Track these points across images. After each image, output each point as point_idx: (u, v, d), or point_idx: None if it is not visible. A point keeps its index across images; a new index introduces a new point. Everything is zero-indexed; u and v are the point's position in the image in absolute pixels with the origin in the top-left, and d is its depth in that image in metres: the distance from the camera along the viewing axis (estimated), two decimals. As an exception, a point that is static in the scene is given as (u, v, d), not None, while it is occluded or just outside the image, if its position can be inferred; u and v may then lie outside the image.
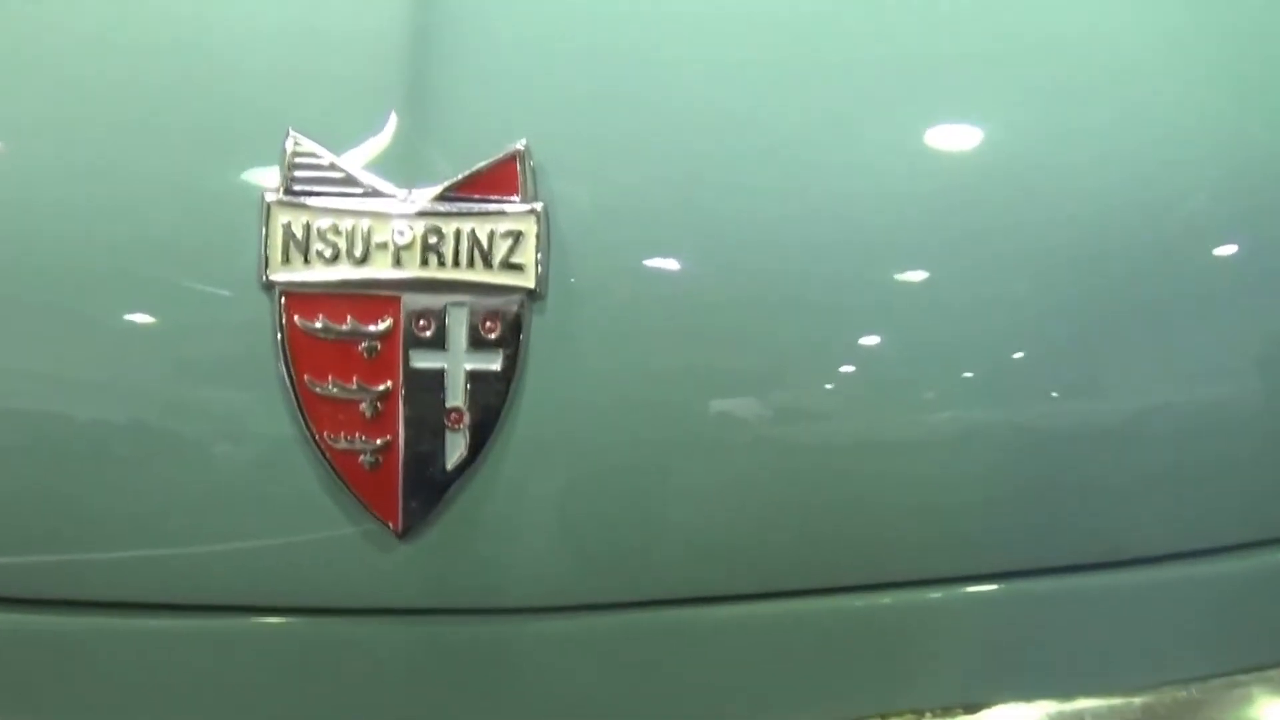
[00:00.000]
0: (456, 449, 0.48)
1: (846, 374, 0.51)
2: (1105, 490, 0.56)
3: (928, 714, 0.57)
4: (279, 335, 0.48)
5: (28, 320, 0.49)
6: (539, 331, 0.48)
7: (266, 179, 0.48)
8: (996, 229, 0.54)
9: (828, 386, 0.50)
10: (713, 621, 0.53)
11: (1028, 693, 0.58)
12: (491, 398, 0.48)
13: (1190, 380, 0.57)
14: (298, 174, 0.48)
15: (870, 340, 0.51)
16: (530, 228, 0.48)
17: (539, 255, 0.48)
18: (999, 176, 0.54)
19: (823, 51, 0.54)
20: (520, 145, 0.48)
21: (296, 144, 0.48)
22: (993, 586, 0.56)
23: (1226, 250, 0.58)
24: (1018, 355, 0.53)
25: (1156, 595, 0.60)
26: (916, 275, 0.52)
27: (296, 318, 0.48)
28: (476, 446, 0.48)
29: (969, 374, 0.53)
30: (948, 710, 0.57)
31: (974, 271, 0.53)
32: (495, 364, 0.48)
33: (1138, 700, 0.58)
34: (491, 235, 0.48)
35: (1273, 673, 0.63)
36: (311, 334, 0.48)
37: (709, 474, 0.49)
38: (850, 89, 0.54)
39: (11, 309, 0.49)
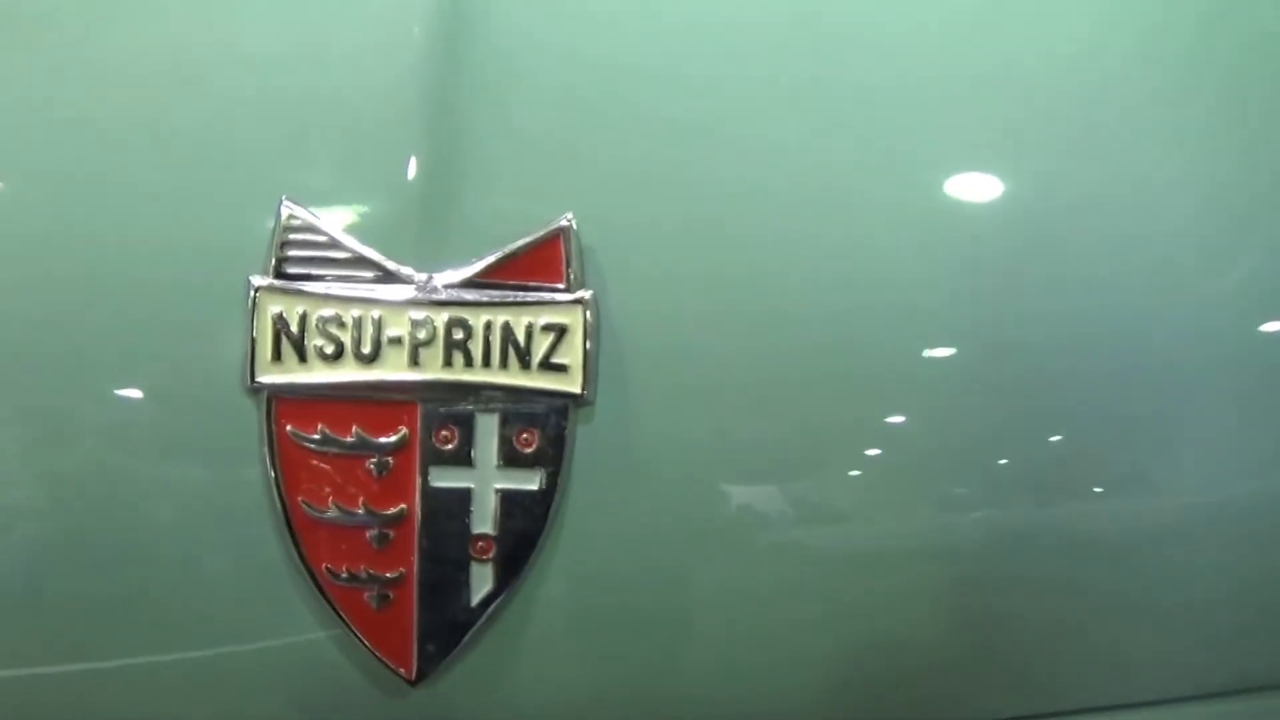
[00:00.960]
0: (483, 584, 0.40)
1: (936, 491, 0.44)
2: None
3: None
4: (268, 447, 0.39)
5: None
6: (585, 445, 0.40)
7: (255, 259, 0.39)
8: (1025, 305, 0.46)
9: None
10: None
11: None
12: (527, 523, 0.40)
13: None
14: (291, 253, 0.39)
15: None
16: (577, 320, 0.40)
17: (587, 353, 0.40)
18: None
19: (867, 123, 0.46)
20: (565, 221, 0.40)
21: (291, 216, 0.39)
22: None
23: None
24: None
25: None
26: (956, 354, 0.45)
27: (289, 427, 0.39)
28: (506, 580, 0.40)
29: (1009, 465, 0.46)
30: None
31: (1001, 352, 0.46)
32: (533, 484, 0.40)
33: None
34: (530, 330, 0.40)
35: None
36: (308, 447, 0.39)
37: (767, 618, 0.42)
38: (893, 167, 0.46)
39: None
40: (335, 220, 0.40)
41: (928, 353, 0.44)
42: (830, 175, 0.44)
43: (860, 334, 0.43)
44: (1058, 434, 0.44)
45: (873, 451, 0.43)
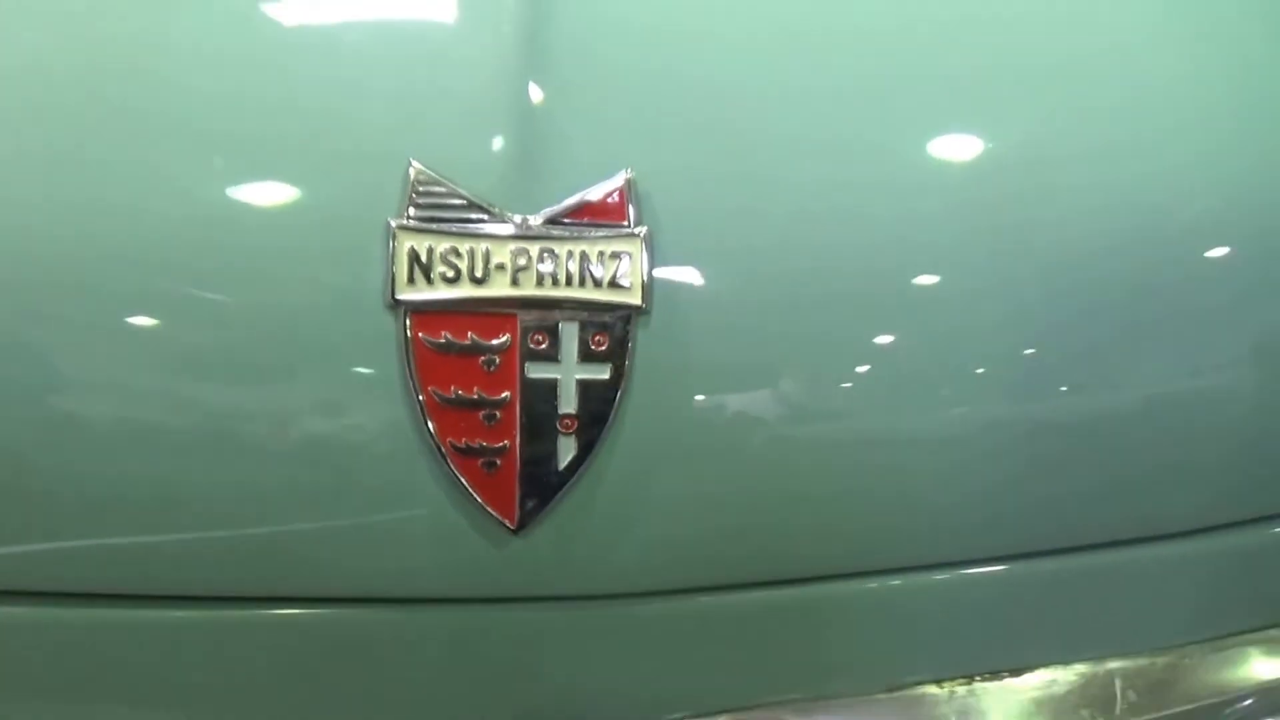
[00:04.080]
0: (569, 451, 0.53)
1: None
2: (1111, 477, 0.62)
3: (976, 678, 0.64)
4: (405, 349, 0.52)
5: (173, 315, 0.53)
6: (644, 344, 0.53)
7: (390, 205, 0.52)
8: (1010, 234, 0.59)
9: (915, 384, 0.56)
10: (774, 601, 0.59)
11: (1054, 657, 0.65)
12: (600, 405, 0.53)
13: (1186, 376, 0.63)
14: (419, 200, 0.52)
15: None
16: (636, 250, 0.52)
17: (644, 275, 0.52)
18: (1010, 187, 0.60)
19: (885, 79, 0.59)
20: (628, 174, 0.52)
21: (420, 172, 0.52)
22: (1002, 567, 0.63)
23: (1225, 252, 0.64)
24: (1029, 351, 0.59)
25: (1165, 568, 0.66)
26: (943, 277, 0.58)
27: (421, 334, 0.52)
28: (586, 449, 0.53)
29: (984, 369, 0.59)
30: (994, 674, 0.63)
31: (990, 274, 0.59)
32: (604, 374, 0.53)
33: (1160, 660, 0.65)
34: (600, 256, 0.52)
35: (1265, 633, 0.71)
36: (435, 348, 0.52)
37: (804, 470, 0.55)
38: (910, 113, 0.59)
39: (160, 304, 0.53)
40: (451, 175, 0.52)
41: (931, 268, 0.57)
42: (843, 124, 0.57)
43: (872, 259, 0.56)
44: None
45: (881, 349, 0.56)
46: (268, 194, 0.53)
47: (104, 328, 0.52)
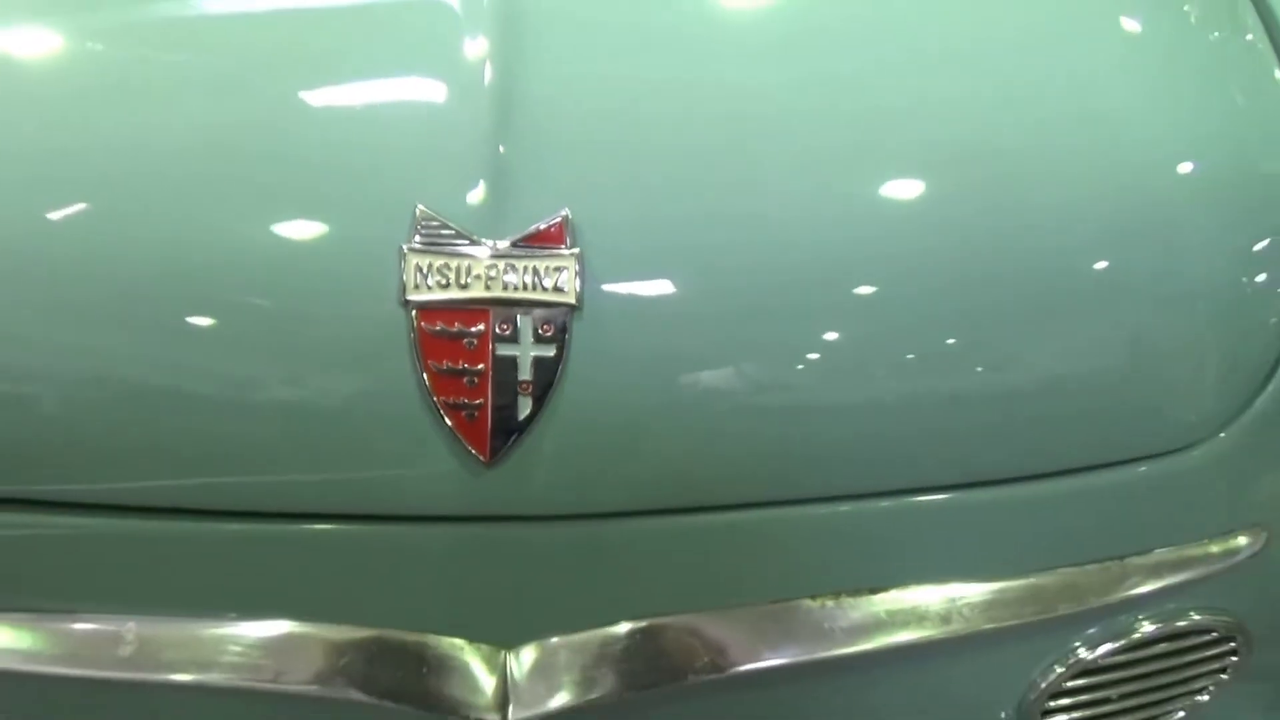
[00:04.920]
0: (526, 407, 0.75)
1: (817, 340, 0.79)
2: (978, 425, 0.83)
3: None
4: (413, 335, 0.75)
5: (243, 312, 0.76)
6: (578, 331, 0.75)
7: (403, 234, 0.75)
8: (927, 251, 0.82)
9: (806, 351, 0.79)
10: (682, 526, 0.81)
11: (911, 580, 0.85)
12: (548, 373, 0.75)
13: (1066, 349, 0.84)
14: (422, 231, 0.75)
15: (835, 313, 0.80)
16: (571, 265, 0.75)
17: (577, 283, 0.75)
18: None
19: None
20: (566, 213, 0.75)
21: (422, 213, 0.75)
22: (886, 503, 0.83)
23: (1096, 256, 0.85)
24: (950, 341, 0.81)
25: (1034, 505, 0.87)
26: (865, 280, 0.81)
27: (423, 324, 0.75)
28: (539, 404, 0.75)
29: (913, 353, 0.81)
30: (857, 592, 0.84)
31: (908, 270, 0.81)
32: (551, 352, 0.75)
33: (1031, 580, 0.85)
34: (547, 270, 0.75)
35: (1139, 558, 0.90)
36: (433, 334, 0.75)
37: (700, 421, 0.77)
38: (825, 139, 0.83)
39: (233, 309, 0.76)
40: (444, 214, 0.75)
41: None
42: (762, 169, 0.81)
43: (767, 264, 0.79)
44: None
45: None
46: (316, 228, 0.77)
47: (178, 323, 0.75)
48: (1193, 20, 1.00)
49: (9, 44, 0.83)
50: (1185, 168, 0.90)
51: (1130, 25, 0.98)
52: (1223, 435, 0.88)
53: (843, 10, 0.91)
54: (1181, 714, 1.00)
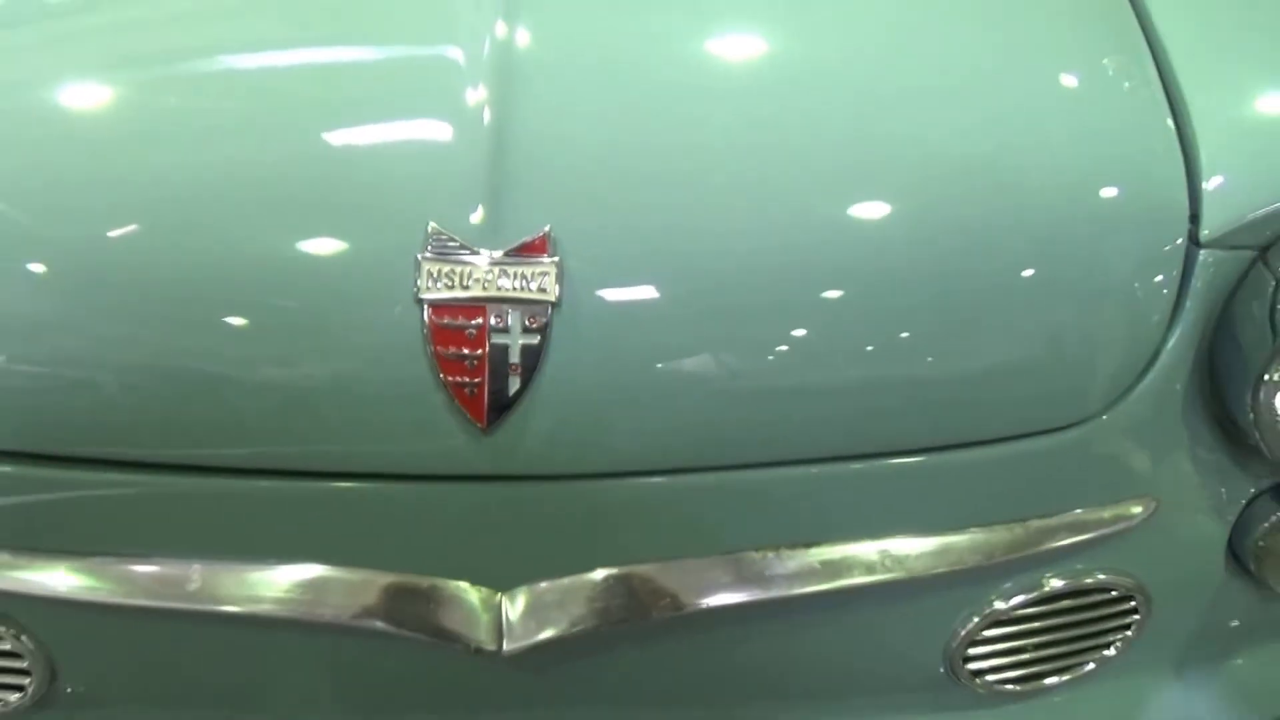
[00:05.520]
0: (515, 384, 0.93)
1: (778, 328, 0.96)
2: (907, 400, 0.99)
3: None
4: (425, 327, 0.92)
5: (282, 314, 0.94)
6: (558, 324, 0.93)
7: (417, 246, 0.93)
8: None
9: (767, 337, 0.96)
10: (646, 487, 0.97)
11: (845, 535, 1.01)
12: (534, 358, 0.92)
13: (981, 342, 1.00)
14: (433, 243, 0.93)
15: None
16: (553, 271, 0.93)
17: (557, 286, 0.92)
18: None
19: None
20: (547, 229, 0.93)
21: (433, 229, 0.93)
22: (817, 469, 1.00)
23: (1015, 266, 1.01)
24: (883, 334, 0.97)
25: (951, 471, 1.02)
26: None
27: (434, 318, 0.92)
28: (526, 383, 0.92)
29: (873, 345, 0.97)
30: (793, 546, 1.00)
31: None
32: (536, 340, 0.92)
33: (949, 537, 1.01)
34: (533, 274, 0.93)
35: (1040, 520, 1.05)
36: (441, 326, 0.92)
37: (654, 402, 0.94)
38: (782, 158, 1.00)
39: (272, 311, 0.94)
40: (451, 229, 0.93)
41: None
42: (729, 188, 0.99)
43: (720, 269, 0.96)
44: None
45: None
46: (347, 242, 0.95)
47: (239, 322, 0.93)
48: (1110, 73, 1.15)
49: (73, 95, 1.01)
50: (1096, 192, 1.06)
51: (1063, 75, 1.14)
52: (1105, 417, 1.04)
53: (806, 61, 1.08)
54: (1091, 665, 1.15)
